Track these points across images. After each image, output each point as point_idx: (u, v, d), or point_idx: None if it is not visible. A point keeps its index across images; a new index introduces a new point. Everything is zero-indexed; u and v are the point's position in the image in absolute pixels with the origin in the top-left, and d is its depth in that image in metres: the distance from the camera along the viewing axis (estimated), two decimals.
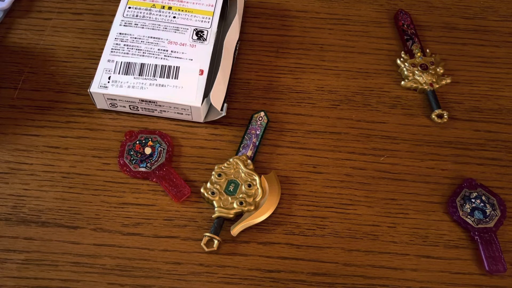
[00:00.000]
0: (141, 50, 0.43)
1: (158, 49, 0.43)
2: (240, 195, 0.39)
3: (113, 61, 0.42)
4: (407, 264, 0.39)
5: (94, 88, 0.41)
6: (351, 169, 0.42)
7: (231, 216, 0.39)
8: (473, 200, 0.40)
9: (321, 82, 0.46)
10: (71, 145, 0.42)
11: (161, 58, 0.42)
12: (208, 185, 0.40)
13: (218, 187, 0.40)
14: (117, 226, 0.39)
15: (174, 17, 0.45)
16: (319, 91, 0.46)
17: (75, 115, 0.43)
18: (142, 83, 0.41)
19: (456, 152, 0.43)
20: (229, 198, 0.39)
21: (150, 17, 0.44)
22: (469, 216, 0.40)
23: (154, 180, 0.40)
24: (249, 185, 0.40)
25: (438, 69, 0.46)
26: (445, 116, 0.44)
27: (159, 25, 0.44)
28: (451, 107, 0.45)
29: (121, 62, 0.42)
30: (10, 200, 0.40)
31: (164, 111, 0.42)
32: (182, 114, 0.42)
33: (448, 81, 0.46)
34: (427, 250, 0.39)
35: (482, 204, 0.40)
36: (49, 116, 0.43)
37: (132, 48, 0.43)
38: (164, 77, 0.42)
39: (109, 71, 0.42)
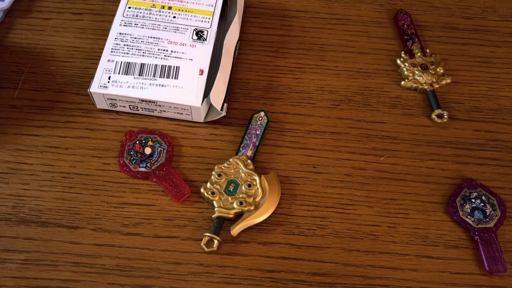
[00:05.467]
0: (141, 50, 0.43)
1: (158, 49, 0.43)
2: (240, 195, 0.39)
3: (113, 61, 0.42)
4: (407, 264, 0.39)
5: (94, 88, 0.41)
6: (351, 169, 0.42)
7: (231, 216, 0.39)
8: (473, 200, 0.40)
9: (321, 82, 0.46)
10: (71, 145, 0.42)
11: (161, 58, 0.42)
12: (208, 185, 0.40)
13: (218, 187, 0.40)
14: (117, 226, 0.39)
15: (174, 17, 0.45)
16: (319, 91, 0.46)
17: (75, 115, 0.43)
18: (142, 83, 0.41)
19: (456, 152, 0.43)
20: (229, 198, 0.39)
21: (150, 17, 0.44)
22: (469, 216, 0.40)
23: (154, 180, 0.40)
24: (249, 185, 0.40)
25: (438, 69, 0.46)
26: (445, 116, 0.44)
27: (159, 25, 0.44)
28: (451, 107, 0.45)
29: (121, 62, 0.42)
30: (10, 200, 0.40)
31: (164, 111, 0.42)
32: (182, 114, 0.42)
33: (448, 81, 0.46)
34: (427, 250, 0.39)
35: (482, 204, 0.40)
36: (49, 116, 0.43)
37: (132, 48, 0.43)
38: (164, 77, 0.42)
39: (109, 71, 0.42)
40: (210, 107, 0.42)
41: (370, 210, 0.40)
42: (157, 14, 0.45)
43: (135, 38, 0.43)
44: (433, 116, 0.44)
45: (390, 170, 0.42)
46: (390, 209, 0.41)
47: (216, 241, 0.38)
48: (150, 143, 0.42)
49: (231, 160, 0.41)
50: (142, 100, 0.41)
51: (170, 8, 0.45)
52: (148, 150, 0.41)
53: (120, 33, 0.43)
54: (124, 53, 0.43)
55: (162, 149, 0.42)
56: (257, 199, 0.39)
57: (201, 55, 0.43)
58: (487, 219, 0.40)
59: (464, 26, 0.50)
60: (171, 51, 0.43)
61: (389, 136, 0.44)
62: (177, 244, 0.39)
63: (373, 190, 0.41)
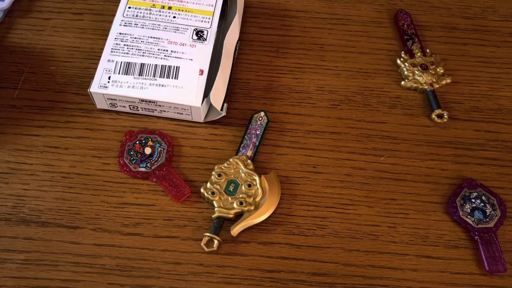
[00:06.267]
0: (141, 50, 0.43)
1: (158, 49, 0.43)
2: (240, 195, 0.39)
3: (113, 61, 0.42)
4: (407, 264, 0.39)
5: (94, 88, 0.41)
6: (351, 169, 0.42)
7: (231, 216, 0.39)
8: (473, 200, 0.40)
9: (321, 82, 0.46)
10: (71, 145, 0.42)
11: (161, 58, 0.42)
12: (208, 185, 0.40)
13: (218, 187, 0.40)
14: (117, 226, 0.39)
15: (174, 17, 0.45)
16: (319, 91, 0.46)
17: (75, 115, 0.43)
18: (142, 83, 0.41)
19: (456, 152, 0.43)
20: (229, 198, 0.39)
21: (150, 17, 0.44)
22: (469, 216, 0.40)
23: (154, 180, 0.40)
24: (249, 185, 0.40)
25: (438, 69, 0.46)
26: (445, 116, 0.44)
27: (159, 25, 0.44)
28: (451, 107, 0.45)
29: (121, 62, 0.42)
30: (10, 200, 0.40)
31: (164, 111, 0.42)
32: (182, 114, 0.42)
33: (448, 81, 0.46)
34: (427, 250, 0.39)
35: (482, 204, 0.40)
36: (49, 116, 0.43)
37: (132, 48, 0.43)
38: (164, 77, 0.42)
39: (109, 71, 0.42)
40: (210, 107, 0.42)
41: (370, 210, 0.40)
42: (157, 14, 0.45)
43: (135, 38, 0.43)
44: (433, 116, 0.44)
45: (390, 170, 0.42)
46: (390, 209, 0.41)
47: (216, 241, 0.38)
48: (150, 143, 0.42)
49: (231, 160, 0.41)
50: (142, 100, 0.41)
51: (170, 8, 0.45)
52: (148, 150, 0.41)
53: (120, 33, 0.43)
54: (124, 53, 0.43)
55: (162, 149, 0.42)
56: (257, 199, 0.39)
57: (201, 55, 0.43)
58: (487, 219, 0.40)
59: (464, 26, 0.50)
60: (171, 51, 0.43)
61: (389, 136, 0.44)
62: (177, 244, 0.39)
63: (373, 190, 0.41)
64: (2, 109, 0.43)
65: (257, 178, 0.40)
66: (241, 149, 0.42)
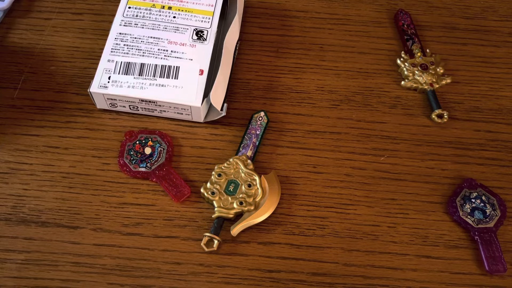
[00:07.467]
0: (141, 50, 0.43)
1: (158, 49, 0.43)
2: (240, 195, 0.39)
3: (113, 61, 0.42)
4: (407, 264, 0.39)
5: (94, 88, 0.41)
6: (351, 169, 0.42)
7: (231, 216, 0.39)
8: (473, 200, 0.40)
9: (321, 82, 0.46)
10: (71, 145, 0.42)
11: (161, 58, 0.42)
12: (208, 185, 0.40)
13: (218, 187, 0.40)
14: (117, 226, 0.39)
15: (174, 17, 0.45)
16: (319, 91, 0.46)
17: (75, 115, 0.43)
18: (142, 83, 0.41)
19: (456, 152, 0.43)
20: (229, 198, 0.39)
21: (150, 17, 0.44)
22: (469, 216, 0.40)
23: (154, 180, 0.40)
24: (249, 185, 0.40)
25: (438, 69, 0.46)
26: (445, 116, 0.44)
27: (159, 25, 0.44)
28: (451, 107, 0.45)
29: (121, 62, 0.42)
30: (10, 200, 0.40)
31: (164, 111, 0.42)
32: (182, 114, 0.42)
33: (448, 81, 0.46)
34: (427, 250, 0.39)
35: (482, 204, 0.40)
36: (49, 116, 0.43)
37: (132, 48, 0.43)
38: (164, 77, 0.42)
39: (109, 71, 0.42)
40: (210, 107, 0.42)
41: (370, 210, 0.40)
42: (157, 14, 0.45)
43: (135, 38, 0.43)
44: (433, 116, 0.44)
45: (390, 170, 0.42)
46: (390, 209, 0.41)
47: (216, 241, 0.38)
48: (150, 143, 0.42)
49: (231, 160, 0.41)
50: (142, 100, 0.41)
51: (170, 8, 0.45)
52: (148, 150, 0.41)
53: (120, 33, 0.43)
54: (124, 53, 0.43)
55: (162, 149, 0.42)
56: (257, 199, 0.39)
57: (201, 55, 0.43)
58: (487, 219, 0.40)
59: (464, 26, 0.50)
60: (171, 51, 0.43)
61: (389, 136, 0.44)
62: (177, 244, 0.39)
63: (373, 190, 0.41)
64: (2, 109, 0.43)
65: (257, 178, 0.40)
66: (241, 149, 0.42)
